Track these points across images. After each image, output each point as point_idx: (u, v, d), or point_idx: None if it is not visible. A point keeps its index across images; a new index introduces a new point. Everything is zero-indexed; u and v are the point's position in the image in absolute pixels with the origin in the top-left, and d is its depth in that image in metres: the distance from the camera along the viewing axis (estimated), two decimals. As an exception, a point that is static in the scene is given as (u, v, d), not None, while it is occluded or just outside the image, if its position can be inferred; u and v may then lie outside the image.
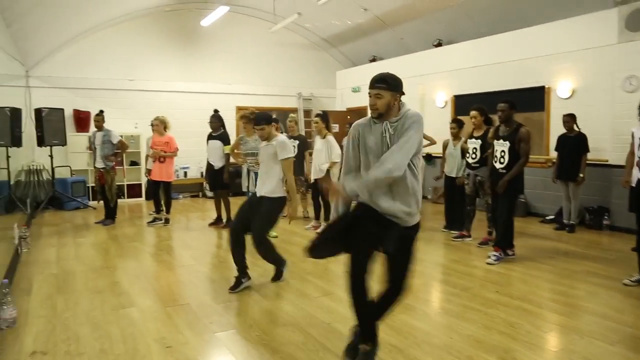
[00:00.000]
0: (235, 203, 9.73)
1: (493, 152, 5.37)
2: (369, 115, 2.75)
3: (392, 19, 10.86)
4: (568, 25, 7.62)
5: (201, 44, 11.56)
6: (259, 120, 4.32)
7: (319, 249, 2.76)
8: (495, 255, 5.24)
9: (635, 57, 6.76)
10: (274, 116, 5.30)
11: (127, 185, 10.40)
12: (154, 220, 7.63)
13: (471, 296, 4.18)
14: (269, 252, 4.45)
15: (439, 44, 10.37)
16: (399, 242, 2.67)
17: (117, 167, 7.61)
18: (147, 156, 8.47)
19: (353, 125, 2.80)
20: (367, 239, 2.65)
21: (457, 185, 6.47)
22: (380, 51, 12.30)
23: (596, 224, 7.09)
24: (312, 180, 7.08)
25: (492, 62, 8.81)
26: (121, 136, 7.86)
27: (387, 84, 2.66)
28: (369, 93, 2.69)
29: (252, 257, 5.52)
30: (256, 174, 6.44)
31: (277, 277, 4.63)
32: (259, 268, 5.08)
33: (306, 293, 4.26)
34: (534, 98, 8.13)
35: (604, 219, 6.99)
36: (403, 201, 2.66)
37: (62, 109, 9.25)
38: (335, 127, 11.51)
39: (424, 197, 10.00)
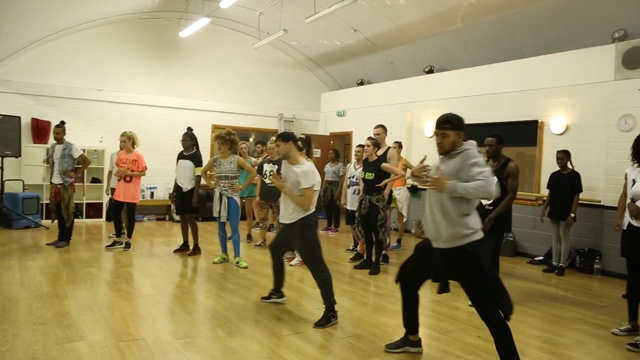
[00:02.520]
0: (205, 229, 9.96)
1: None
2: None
3: (383, 41, 11.11)
4: (564, 58, 7.90)
5: (178, 56, 11.64)
6: (278, 137, 4.62)
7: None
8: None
9: (631, 95, 7.01)
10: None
11: (87, 204, 10.26)
12: (114, 244, 7.51)
13: (451, 340, 4.19)
14: (326, 284, 4.44)
15: (430, 71, 10.60)
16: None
17: (76, 184, 7.50)
18: (109, 173, 8.40)
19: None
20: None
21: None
22: (369, 74, 12.53)
23: (587, 268, 7.20)
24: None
25: (484, 92, 9.05)
26: (83, 150, 7.78)
27: (452, 124, 3.33)
28: (436, 133, 3.40)
29: (212, 286, 5.46)
30: (229, 199, 6.47)
31: (323, 322, 4.39)
32: (225, 301, 5.03)
33: (275, 331, 4.22)
34: (526, 132, 8.34)
35: (595, 263, 7.11)
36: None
37: (19, 117, 9.13)
38: (317, 153, 11.58)
39: (407, 231, 10.04)
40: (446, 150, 3.34)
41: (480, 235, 3.31)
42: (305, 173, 4.45)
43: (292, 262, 6.88)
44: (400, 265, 3.80)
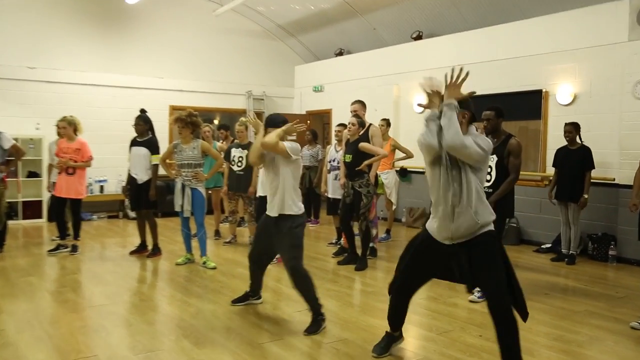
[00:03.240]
0: (165, 225, 9.87)
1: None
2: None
3: (364, 4, 11.07)
4: (571, 18, 7.96)
5: (126, 28, 11.44)
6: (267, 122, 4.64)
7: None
8: (479, 291, 5.29)
9: (648, 58, 7.10)
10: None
11: (23, 202, 10.10)
12: (58, 247, 7.41)
13: (450, 341, 4.22)
14: (306, 286, 4.43)
15: (419, 37, 10.61)
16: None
17: (8, 180, 7.35)
18: (50, 166, 8.25)
19: None
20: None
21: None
22: (349, 43, 12.50)
23: (601, 255, 7.32)
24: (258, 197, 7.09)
25: (480, 59, 9.08)
26: (16, 140, 7.62)
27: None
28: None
29: (176, 291, 5.42)
30: (193, 190, 6.43)
31: (313, 328, 4.37)
32: (191, 307, 5.00)
33: (250, 339, 4.21)
34: (529, 103, 8.42)
35: (610, 249, 7.23)
36: None
37: None
38: (292, 134, 11.51)
39: (397, 220, 10.09)
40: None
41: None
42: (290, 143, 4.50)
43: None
44: (394, 274, 3.79)
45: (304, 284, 4.43)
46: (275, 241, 4.54)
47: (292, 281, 4.48)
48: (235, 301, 5.07)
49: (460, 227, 3.37)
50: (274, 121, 4.61)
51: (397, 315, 3.86)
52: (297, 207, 4.46)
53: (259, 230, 4.74)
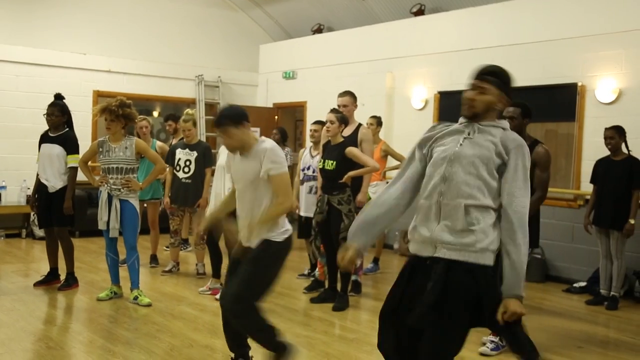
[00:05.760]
0: (85, 248, 9.66)
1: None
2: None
3: (350, -32, 11.07)
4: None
5: (39, -12, 11.31)
6: (223, 118, 4.28)
7: None
8: (493, 341, 5.29)
9: None
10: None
11: None
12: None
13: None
14: (256, 327, 4.30)
15: (420, 12, 10.64)
16: None
17: None
18: None
19: (430, 127, 3.45)
20: None
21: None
22: (330, 18, 12.52)
23: (651, 298, 7.36)
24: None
25: (497, 43, 9.12)
26: None
27: (499, 79, 3.26)
28: (472, 84, 3.28)
29: (97, 336, 5.27)
30: (123, 202, 6.35)
31: None
32: (117, 358, 4.84)
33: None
34: (560, 101, 8.46)
35: (663, 290, 7.28)
36: None
37: None
38: (255, 133, 11.41)
39: (388, 246, 10.05)
40: (475, 113, 3.25)
41: None
42: (273, 151, 4.24)
43: (201, 289, 7.04)
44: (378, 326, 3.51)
45: (251, 322, 4.31)
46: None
47: (233, 320, 4.32)
48: None
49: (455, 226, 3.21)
50: (232, 116, 4.31)
51: None
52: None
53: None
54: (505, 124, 3.29)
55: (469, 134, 3.21)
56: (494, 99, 3.22)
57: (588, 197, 7.49)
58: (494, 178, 3.08)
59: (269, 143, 4.30)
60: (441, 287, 3.02)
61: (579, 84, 8.28)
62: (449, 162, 3.13)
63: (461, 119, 3.31)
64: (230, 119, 4.23)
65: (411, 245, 3.30)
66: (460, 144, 3.17)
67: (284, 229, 4.31)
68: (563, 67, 8.45)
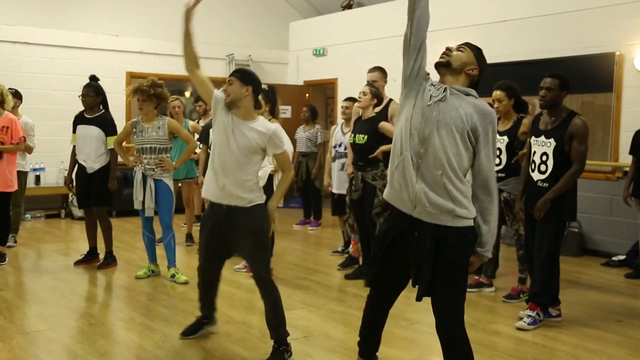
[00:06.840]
0: (122, 228, 9.83)
1: (529, 156, 5.45)
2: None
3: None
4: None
5: (71, -31, 11.39)
6: (238, 72, 4.56)
7: None
8: (530, 316, 5.28)
9: None
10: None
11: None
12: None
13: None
14: (278, 307, 4.43)
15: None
16: None
17: None
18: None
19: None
20: None
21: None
22: (361, -7, 12.44)
23: (691, 270, 7.30)
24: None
25: (531, 13, 9.01)
26: None
27: (477, 51, 3.64)
28: (457, 46, 3.66)
29: (136, 313, 5.39)
30: (157, 182, 6.40)
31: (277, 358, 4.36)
32: (155, 334, 4.98)
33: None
34: (595, 71, 8.34)
35: None
36: None
37: None
38: (286, 111, 11.46)
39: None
40: (448, 62, 3.59)
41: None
42: (277, 133, 4.45)
43: (237, 267, 7.01)
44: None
45: (275, 303, 4.43)
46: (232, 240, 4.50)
47: (262, 293, 4.44)
48: (186, 333, 4.89)
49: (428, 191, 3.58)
50: (246, 74, 4.58)
51: (369, 338, 3.97)
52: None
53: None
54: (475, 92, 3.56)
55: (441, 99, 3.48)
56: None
57: (626, 169, 7.45)
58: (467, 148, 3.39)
59: (273, 125, 4.58)
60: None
61: (617, 53, 8.18)
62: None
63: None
64: (243, 74, 4.50)
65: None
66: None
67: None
68: (599, 36, 8.33)
